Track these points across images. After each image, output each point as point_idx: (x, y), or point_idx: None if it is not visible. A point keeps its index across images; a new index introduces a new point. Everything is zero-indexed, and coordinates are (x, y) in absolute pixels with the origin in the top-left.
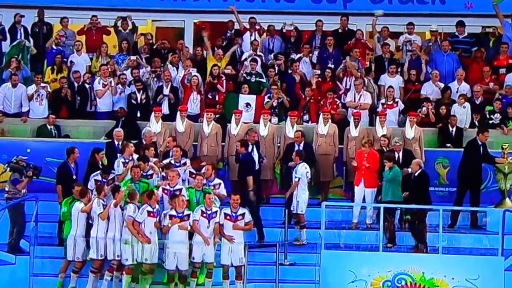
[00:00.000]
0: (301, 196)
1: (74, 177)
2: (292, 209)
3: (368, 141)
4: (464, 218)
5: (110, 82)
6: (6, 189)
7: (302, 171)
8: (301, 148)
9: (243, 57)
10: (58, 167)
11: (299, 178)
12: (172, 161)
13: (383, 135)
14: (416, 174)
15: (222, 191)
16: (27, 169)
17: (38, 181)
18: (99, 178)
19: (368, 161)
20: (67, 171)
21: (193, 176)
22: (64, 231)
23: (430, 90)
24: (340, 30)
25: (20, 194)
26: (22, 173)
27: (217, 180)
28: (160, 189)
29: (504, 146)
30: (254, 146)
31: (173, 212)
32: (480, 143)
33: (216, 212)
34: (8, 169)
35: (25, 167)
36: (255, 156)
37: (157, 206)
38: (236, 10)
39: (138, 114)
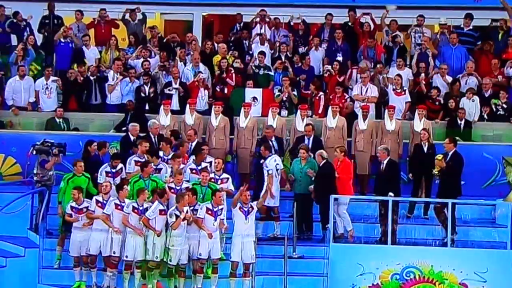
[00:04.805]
0: (275, 189)
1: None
2: (268, 203)
3: (341, 147)
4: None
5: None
6: (35, 171)
7: (272, 164)
8: (310, 141)
9: (252, 50)
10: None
11: (271, 171)
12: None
13: (423, 129)
14: (320, 165)
15: (230, 186)
16: (52, 148)
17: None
18: (108, 169)
19: (339, 170)
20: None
21: (194, 171)
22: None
23: (439, 83)
24: (349, 24)
25: (48, 176)
26: (49, 153)
27: (225, 175)
28: (166, 187)
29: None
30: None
31: (176, 211)
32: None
33: (222, 209)
34: (34, 152)
35: (50, 146)
36: None
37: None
38: None
39: (147, 107)
